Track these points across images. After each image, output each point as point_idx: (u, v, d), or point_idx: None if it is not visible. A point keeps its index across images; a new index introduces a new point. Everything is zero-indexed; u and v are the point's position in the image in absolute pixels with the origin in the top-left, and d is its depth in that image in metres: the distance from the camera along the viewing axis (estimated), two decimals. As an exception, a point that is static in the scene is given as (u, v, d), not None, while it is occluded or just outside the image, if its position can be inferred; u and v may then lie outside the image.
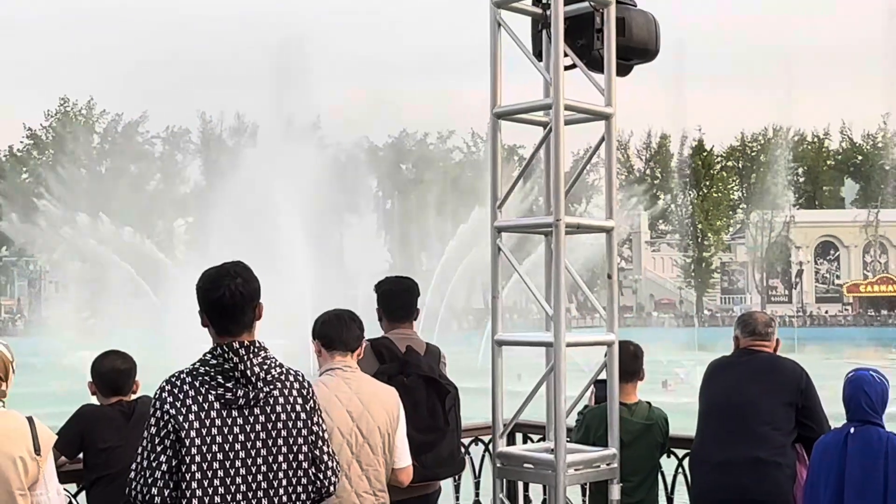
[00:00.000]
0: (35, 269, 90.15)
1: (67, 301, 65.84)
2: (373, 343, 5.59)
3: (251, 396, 3.64)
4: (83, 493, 5.29)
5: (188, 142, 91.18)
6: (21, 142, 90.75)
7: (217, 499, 3.57)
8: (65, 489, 5.09)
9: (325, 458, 3.81)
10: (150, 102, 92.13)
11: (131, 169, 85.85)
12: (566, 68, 5.38)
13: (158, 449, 3.59)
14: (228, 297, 3.67)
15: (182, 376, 3.68)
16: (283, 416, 3.69)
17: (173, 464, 3.57)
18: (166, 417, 3.59)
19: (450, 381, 5.66)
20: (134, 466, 3.65)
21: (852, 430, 4.81)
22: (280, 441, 3.67)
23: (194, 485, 3.55)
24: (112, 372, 5.28)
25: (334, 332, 4.90)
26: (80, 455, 5.17)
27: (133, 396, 5.27)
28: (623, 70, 5.63)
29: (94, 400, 5.32)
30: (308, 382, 3.87)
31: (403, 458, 4.91)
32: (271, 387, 3.70)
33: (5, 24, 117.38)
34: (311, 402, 3.81)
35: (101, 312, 55.43)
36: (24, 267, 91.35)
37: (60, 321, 54.55)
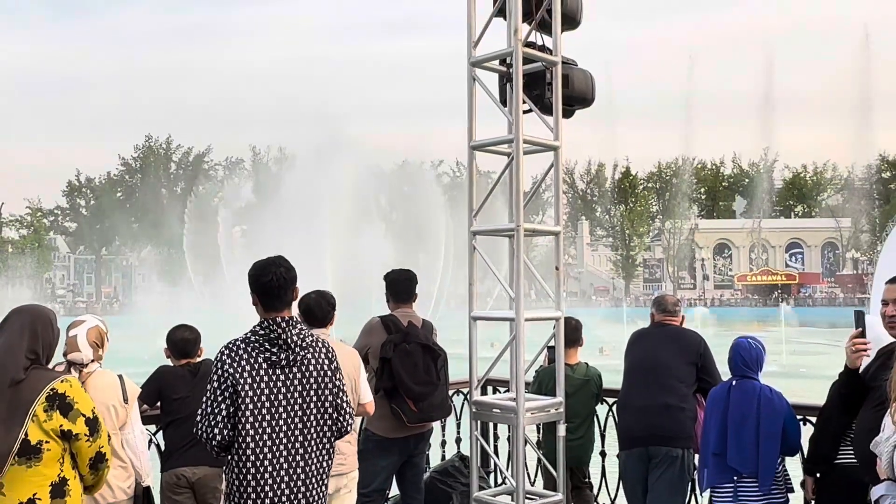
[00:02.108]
0: (127, 265, 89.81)
1: (151, 288, 65.46)
2: (382, 319, 5.64)
3: (290, 359, 3.67)
4: (160, 433, 5.28)
5: (242, 168, 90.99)
6: (116, 168, 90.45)
7: (265, 436, 3.60)
8: (146, 429, 5.08)
9: (345, 405, 3.82)
10: (214, 138, 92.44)
11: (199, 189, 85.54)
12: (524, 112, 5.38)
13: (219, 399, 3.61)
14: (274, 281, 3.71)
15: (238, 343, 3.70)
16: (315, 374, 3.72)
17: (231, 410, 3.60)
18: (225, 374, 3.62)
19: (440, 347, 5.68)
20: (200, 412, 3.68)
21: (734, 382, 4.85)
22: (312, 393, 3.70)
23: (248, 426, 3.58)
24: (182, 340, 5.29)
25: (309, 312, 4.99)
26: (158, 403, 5.16)
27: (198, 359, 5.27)
28: (567, 113, 5.63)
29: (168, 362, 5.32)
30: (332, 348, 3.88)
31: (366, 396, 5.06)
32: (305, 351, 3.72)
33: (100, 77, 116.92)
34: (335, 363, 3.82)
35: (175, 297, 55.07)
36: (119, 263, 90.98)
37: (146, 303, 54.24)
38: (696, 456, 5.42)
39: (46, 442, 3.25)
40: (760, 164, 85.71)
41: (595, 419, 6.12)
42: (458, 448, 6.55)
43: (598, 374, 6.10)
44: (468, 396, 5.82)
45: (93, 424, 3.41)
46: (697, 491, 5.59)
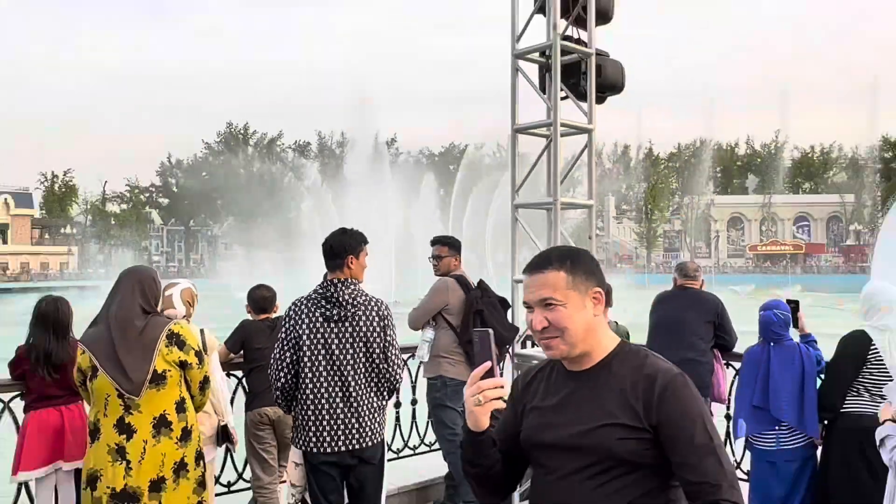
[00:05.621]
0: (212, 235, 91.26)
1: (233, 255, 66.47)
2: (457, 278, 5.50)
3: (342, 315, 3.74)
4: (245, 379, 5.35)
5: (309, 151, 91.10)
6: (201, 152, 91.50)
7: (321, 380, 3.70)
8: (234, 374, 5.17)
9: (394, 357, 3.85)
10: (284, 124, 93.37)
11: (272, 170, 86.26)
12: (562, 99, 5.33)
13: (285, 349, 3.75)
14: (328, 248, 3.85)
15: (301, 300, 3.82)
16: (364, 329, 3.77)
17: (294, 358, 3.72)
18: (290, 329, 3.75)
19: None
20: (272, 360, 3.80)
21: (772, 344, 4.67)
22: (361, 345, 3.76)
23: (307, 370, 3.71)
24: (261, 298, 5.35)
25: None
26: (241, 352, 5.23)
27: (275, 314, 5.32)
28: (600, 100, 5.57)
29: (249, 317, 5.38)
30: (386, 307, 3.90)
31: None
32: (356, 309, 3.77)
33: (185, 74, 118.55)
34: (386, 320, 3.84)
35: (254, 262, 55.76)
36: (205, 233, 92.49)
37: (228, 268, 55.12)
38: (713, 403, 5.36)
39: (169, 370, 3.63)
40: (772, 145, 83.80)
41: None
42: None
43: (626, 332, 6.03)
44: (509, 349, 5.80)
45: (199, 356, 3.78)
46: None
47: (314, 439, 3.68)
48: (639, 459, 1.79)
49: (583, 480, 1.82)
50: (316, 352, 3.69)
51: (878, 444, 2.93)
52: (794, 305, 4.80)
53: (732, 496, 1.73)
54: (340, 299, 3.73)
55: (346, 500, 3.85)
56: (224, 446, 4.90)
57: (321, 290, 3.78)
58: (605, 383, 1.87)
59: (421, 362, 5.61)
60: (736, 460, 5.28)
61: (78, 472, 4.52)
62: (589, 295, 1.91)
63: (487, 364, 1.86)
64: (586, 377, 1.91)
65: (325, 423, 3.67)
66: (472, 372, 1.90)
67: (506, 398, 1.94)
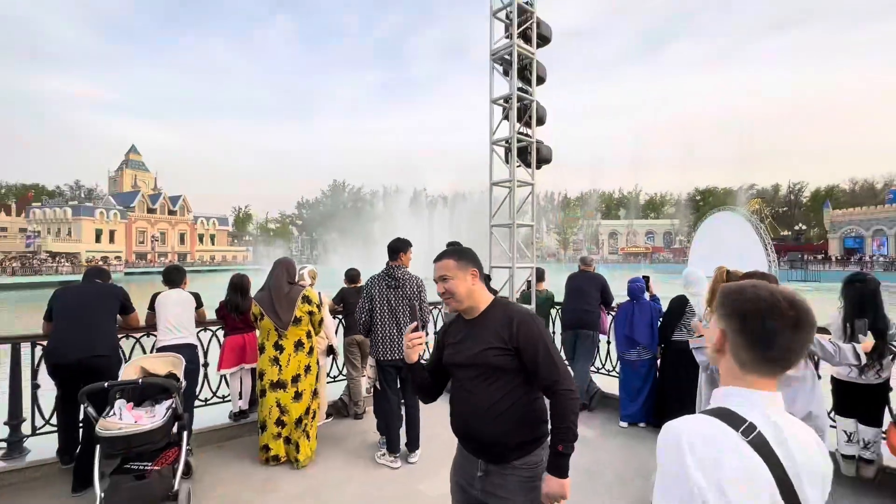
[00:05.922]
0: (325, 241, 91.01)
1: (336, 252, 66.35)
2: None
3: (397, 284, 3.66)
4: (343, 319, 5.32)
5: (378, 196, 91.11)
6: (319, 195, 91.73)
7: (385, 320, 3.62)
8: (338, 317, 5.14)
9: (426, 308, 3.77)
10: (364, 180, 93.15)
11: (357, 205, 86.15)
12: (517, 167, 5.29)
13: (365, 302, 3.66)
14: (390, 248, 3.74)
15: (374, 276, 3.73)
16: (409, 292, 3.69)
17: (369, 308, 3.64)
18: (368, 291, 3.67)
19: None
20: (357, 308, 3.72)
21: (635, 302, 4.63)
22: (407, 301, 3.68)
23: (377, 315, 3.62)
24: (351, 275, 5.27)
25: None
26: (342, 304, 5.19)
27: (360, 283, 5.27)
28: (539, 167, 5.51)
29: (345, 285, 5.32)
30: (421, 280, 3.81)
31: None
32: (405, 282, 3.69)
33: (304, 147, 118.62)
34: (421, 288, 3.77)
35: (348, 255, 55.68)
36: (322, 240, 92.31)
37: (334, 259, 54.98)
38: (601, 336, 5.27)
39: (302, 316, 3.65)
40: (633, 192, 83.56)
41: (550, 316, 6.00)
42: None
43: (552, 295, 5.94)
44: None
45: (318, 307, 3.76)
46: (601, 354, 5.42)
47: (381, 352, 3.65)
48: (509, 366, 1.74)
49: (479, 383, 1.78)
50: (382, 304, 3.64)
51: (692, 349, 2.85)
52: (647, 279, 4.78)
53: (565, 384, 1.72)
54: (396, 276, 3.68)
55: (399, 386, 3.84)
56: (331, 356, 4.90)
57: (385, 270, 3.72)
58: (486, 324, 1.80)
59: (443, 311, 5.62)
60: (613, 365, 5.26)
61: (253, 370, 4.58)
62: (469, 273, 1.83)
63: (414, 324, 1.89)
64: (474, 322, 1.84)
65: (387, 343, 3.64)
66: (406, 329, 1.88)
67: (427, 345, 1.88)
